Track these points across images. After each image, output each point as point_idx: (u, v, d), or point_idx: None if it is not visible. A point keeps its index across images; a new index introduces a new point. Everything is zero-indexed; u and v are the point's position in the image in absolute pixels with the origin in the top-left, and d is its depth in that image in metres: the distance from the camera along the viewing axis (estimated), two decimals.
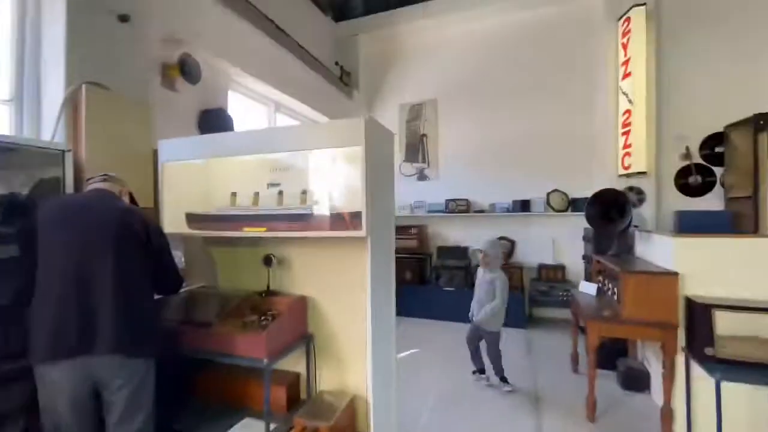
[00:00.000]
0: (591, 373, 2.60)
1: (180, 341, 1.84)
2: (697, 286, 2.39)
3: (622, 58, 4.48)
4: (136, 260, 1.48)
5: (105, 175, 1.66)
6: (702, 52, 4.42)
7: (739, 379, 2.01)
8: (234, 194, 2.04)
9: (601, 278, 3.22)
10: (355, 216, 1.76)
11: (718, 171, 4.45)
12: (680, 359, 2.45)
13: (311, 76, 4.56)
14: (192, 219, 2.11)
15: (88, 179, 1.67)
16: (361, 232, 1.67)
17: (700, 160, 4.50)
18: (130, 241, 1.47)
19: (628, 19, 4.37)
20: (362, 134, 1.63)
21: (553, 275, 4.81)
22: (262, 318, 1.82)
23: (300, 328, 1.94)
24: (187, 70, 2.84)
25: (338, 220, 1.76)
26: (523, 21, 5.23)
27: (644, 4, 4.27)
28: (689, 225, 4.27)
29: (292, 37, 4.17)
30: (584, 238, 3.97)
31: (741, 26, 4.26)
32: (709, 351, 2.19)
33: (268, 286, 2.01)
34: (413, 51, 5.85)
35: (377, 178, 1.77)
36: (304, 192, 1.91)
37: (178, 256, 2.13)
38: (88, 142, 1.95)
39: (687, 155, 4.50)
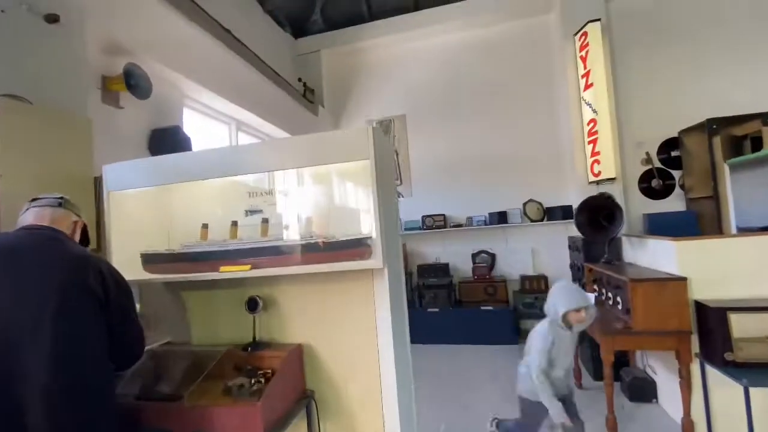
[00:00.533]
0: (608, 392, 2.44)
1: (140, 423, 1.41)
2: (703, 289, 2.34)
3: (582, 71, 4.65)
4: (88, 330, 1.06)
5: (60, 198, 1.20)
6: (651, 63, 4.71)
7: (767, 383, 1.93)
8: (205, 226, 1.67)
9: (596, 287, 3.15)
10: (363, 243, 1.47)
11: (675, 174, 4.70)
12: (694, 366, 2.37)
13: (274, 91, 4.23)
14: (150, 260, 1.69)
15: (33, 199, 1.20)
16: (376, 263, 1.37)
17: (659, 165, 4.72)
18: (81, 302, 1.05)
19: (585, 34, 4.56)
20: (370, 145, 1.36)
21: (536, 286, 4.74)
22: (253, 381, 1.44)
23: (298, 387, 1.58)
24: (133, 82, 2.42)
25: (344, 249, 1.45)
26: (485, 35, 5.31)
27: (599, 19, 4.48)
28: (658, 226, 4.45)
29: (252, 50, 3.85)
30: (571, 247, 3.95)
31: (683, 38, 4.61)
32: (729, 356, 2.11)
33: (254, 337, 1.63)
34: (378, 66, 5.73)
35: (386, 196, 1.50)
36: (294, 219, 1.60)
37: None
38: (5, 169, 1.49)
39: (648, 160, 4.70)
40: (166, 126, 2.82)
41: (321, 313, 1.63)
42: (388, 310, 1.44)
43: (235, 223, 1.63)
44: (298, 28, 5.65)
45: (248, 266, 1.52)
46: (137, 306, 1.69)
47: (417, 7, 5.35)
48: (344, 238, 1.49)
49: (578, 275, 3.71)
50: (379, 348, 1.54)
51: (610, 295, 2.85)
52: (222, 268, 1.55)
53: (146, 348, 1.69)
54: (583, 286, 3.41)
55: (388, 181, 1.58)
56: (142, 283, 1.74)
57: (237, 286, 1.69)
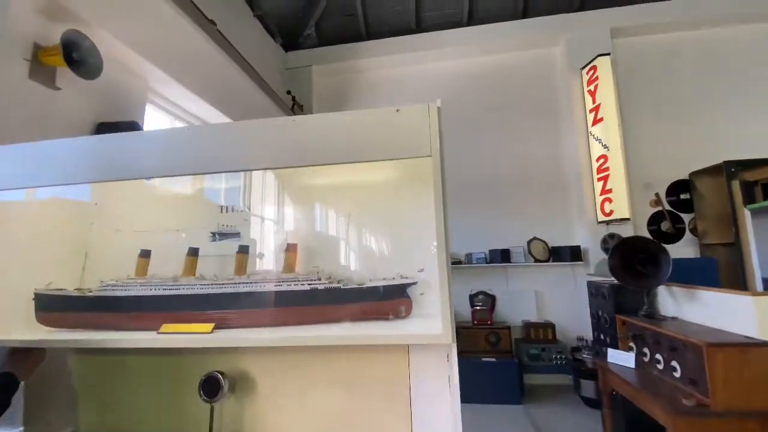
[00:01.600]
0: None
1: None
2: None
3: (590, 105, 4.44)
4: None
5: None
6: (656, 102, 4.57)
7: None
8: (145, 254, 1.05)
9: (632, 345, 2.65)
10: (402, 293, 0.90)
11: (684, 217, 4.45)
12: None
13: (260, 98, 3.71)
14: (48, 305, 1.04)
15: None
16: (440, 334, 0.79)
17: (668, 207, 4.47)
18: None
19: (594, 68, 4.39)
20: (435, 133, 0.83)
21: (543, 335, 4.22)
22: None
23: None
24: (77, 56, 1.83)
25: (379, 300, 0.88)
26: (487, 63, 5.09)
27: (609, 54, 4.33)
28: (676, 273, 4.10)
29: (238, 51, 3.34)
30: (593, 294, 3.48)
31: (689, 78, 4.52)
32: None
33: None
34: (373, 86, 5.36)
35: (445, 218, 0.95)
36: (287, 249, 1.03)
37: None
38: None
39: (657, 201, 4.44)
40: (120, 121, 2.20)
41: (326, 405, 1.01)
42: (456, 416, 0.84)
43: (194, 252, 1.03)
44: (290, 41, 5.25)
45: (210, 325, 0.91)
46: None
47: (419, 29, 5.11)
48: (375, 284, 0.92)
49: (604, 328, 3.22)
50: None
51: (659, 357, 2.35)
52: (164, 327, 0.92)
53: None
54: (615, 343, 2.92)
55: (446, 194, 1.03)
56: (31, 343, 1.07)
57: (188, 352, 1.06)
